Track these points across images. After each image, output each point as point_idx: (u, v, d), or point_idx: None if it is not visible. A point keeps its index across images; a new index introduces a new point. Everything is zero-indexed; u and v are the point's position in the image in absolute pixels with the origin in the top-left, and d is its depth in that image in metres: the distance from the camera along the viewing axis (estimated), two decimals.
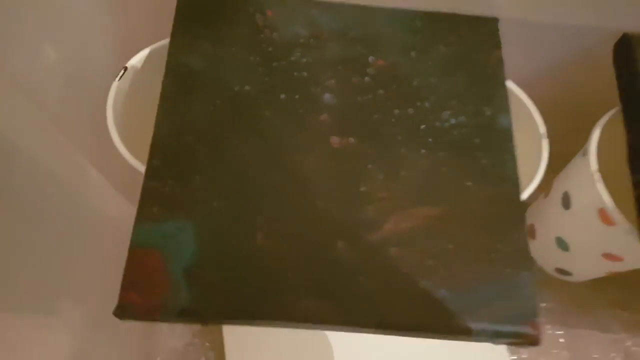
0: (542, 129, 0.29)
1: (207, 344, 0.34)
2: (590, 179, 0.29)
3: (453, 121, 0.26)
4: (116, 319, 0.21)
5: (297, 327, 0.22)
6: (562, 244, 0.34)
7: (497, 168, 0.25)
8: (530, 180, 0.29)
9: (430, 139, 0.25)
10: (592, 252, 0.32)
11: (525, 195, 0.28)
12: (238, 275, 0.22)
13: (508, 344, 0.23)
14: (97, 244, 0.24)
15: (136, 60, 0.28)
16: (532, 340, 0.22)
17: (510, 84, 0.31)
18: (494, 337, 0.22)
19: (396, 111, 0.26)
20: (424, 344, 0.34)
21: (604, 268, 0.33)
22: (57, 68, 0.29)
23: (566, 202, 0.32)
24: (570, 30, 0.31)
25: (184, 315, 0.21)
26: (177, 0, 0.28)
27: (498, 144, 0.26)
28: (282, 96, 0.26)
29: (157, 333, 0.33)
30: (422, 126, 0.26)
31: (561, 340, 0.36)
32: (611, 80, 0.29)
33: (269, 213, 0.23)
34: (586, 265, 0.34)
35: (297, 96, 0.26)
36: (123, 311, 0.21)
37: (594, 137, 0.30)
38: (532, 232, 0.37)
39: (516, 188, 0.25)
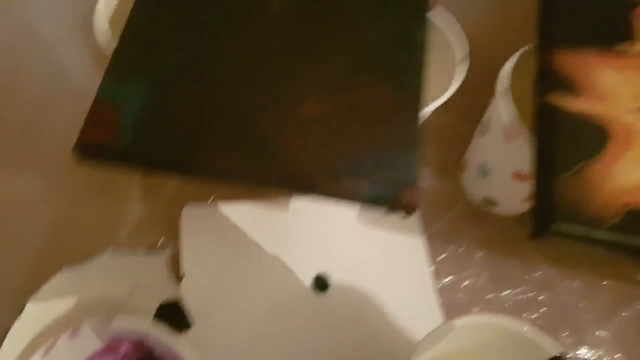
0: (464, 51, 0.34)
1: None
2: (500, 101, 0.33)
3: (377, 34, 0.31)
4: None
5: (215, 180, 0.27)
6: (483, 171, 0.38)
7: (405, 74, 0.30)
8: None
9: (354, 45, 0.31)
10: (504, 172, 0.36)
11: (435, 104, 0.32)
12: (174, 131, 0.27)
13: (388, 209, 0.27)
14: (75, 108, 0.30)
15: None
16: (408, 205, 0.27)
17: (443, 12, 0.35)
18: (376, 199, 0.27)
19: (332, 20, 0.31)
20: (352, 245, 0.39)
21: (519, 194, 0.37)
22: None
23: (483, 129, 0.37)
24: None
25: (126, 155, 0.26)
26: None
27: (411, 55, 0.31)
28: None
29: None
30: (351, 34, 0.31)
31: (482, 261, 0.40)
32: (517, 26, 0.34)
33: (209, 83, 0.28)
34: (503, 188, 0.38)
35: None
36: (80, 148, 0.26)
37: (508, 64, 0.34)
38: (464, 167, 0.42)
39: (418, 91, 0.30)
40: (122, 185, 0.39)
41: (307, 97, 0.28)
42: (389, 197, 0.27)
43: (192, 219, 0.39)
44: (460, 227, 0.42)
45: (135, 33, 0.29)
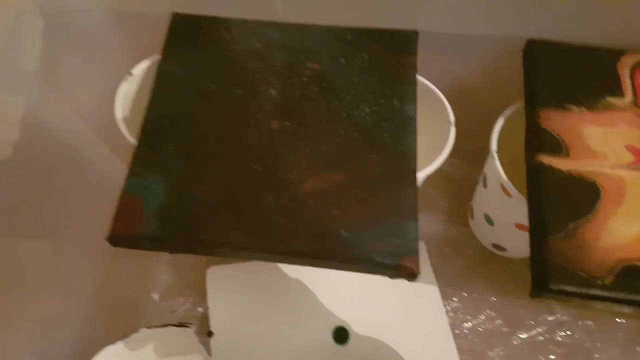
0: (451, 118, 0.36)
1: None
2: (493, 161, 0.35)
3: (367, 110, 0.33)
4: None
5: (229, 255, 0.30)
6: (488, 219, 0.40)
7: (398, 145, 0.32)
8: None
9: (348, 123, 0.33)
10: (507, 223, 0.38)
11: (429, 170, 0.34)
12: (190, 217, 0.30)
13: (391, 275, 0.29)
14: (103, 195, 0.33)
15: (139, 68, 0.38)
16: (409, 272, 0.29)
17: (426, 82, 0.38)
18: (379, 267, 0.29)
19: (324, 102, 0.34)
20: (369, 296, 0.41)
21: (524, 241, 0.38)
22: (84, 73, 0.39)
23: (484, 182, 0.38)
24: (481, 39, 0.38)
25: (152, 241, 0.29)
26: (169, 24, 0.37)
27: (402, 127, 0.33)
28: (238, 91, 0.34)
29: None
30: (343, 114, 0.33)
31: (496, 304, 0.41)
32: (513, 81, 0.36)
33: (218, 173, 0.31)
34: (508, 236, 0.39)
35: (249, 91, 0.34)
36: (112, 237, 0.29)
37: (497, 124, 0.36)
38: (471, 213, 0.43)
39: (412, 161, 0.32)
40: (153, 256, 0.42)
41: (307, 176, 0.31)
42: (391, 265, 0.29)
43: (216, 279, 0.42)
44: (473, 271, 0.43)
45: (150, 130, 0.32)
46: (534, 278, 0.29)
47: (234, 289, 0.42)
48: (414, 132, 0.33)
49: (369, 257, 0.29)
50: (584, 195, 0.30)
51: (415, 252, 0.29)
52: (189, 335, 0.36)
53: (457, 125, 0.36)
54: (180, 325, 0.36)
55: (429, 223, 0.45)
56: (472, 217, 0.43)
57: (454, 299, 0.42)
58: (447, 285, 0.42)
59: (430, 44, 0.37)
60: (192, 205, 0.30)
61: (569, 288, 0.28)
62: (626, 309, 0.28)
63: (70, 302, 0.37)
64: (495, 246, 0.42)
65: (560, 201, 0.30)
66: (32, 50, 0.42)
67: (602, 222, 0.29)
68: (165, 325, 0.36)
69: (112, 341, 0.35)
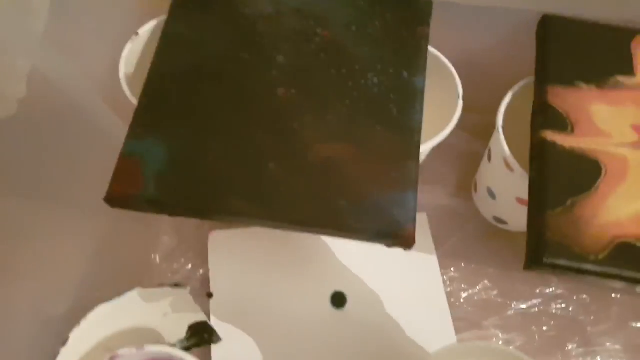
0: (459, 91, 0.36)
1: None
2: (498, 135, 0.35)
3: (375, 80, 0.33)
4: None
5: (230, 220, 0.30)
6: (491, 193, 0.40)
7: (404, 118, 0.32)
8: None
9: (355, 93, 0.33)
10: (509, 197, 0.38)
11: (434, 142, 0.34)
12: (191, 181, 0.30)
13: (388, 244, 0.30)
14: (107, 155, 0.33)
15: (146, 28, 0.37)
16: (406, 242, 0.29)
17: (436, 53, 0.37)
18: (377, 236, 0.29)
19: (332, 71, 0.33)
20: (368, 264, 0.42)
21: (524, 214, 0.39)
22: (90, 32, 0.38)
23: (489, 156, 0.38)
24: (495, 12, 0.37)
25: (150, 204, 0.30)
26: None
27: (409, 100, 0.33)
28: (245, 56, 0.34)
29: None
30: (350, 83, 0.33)
31: (493, 276, 0.42)
32: (525, 56, 0.35)
33: (221, 138, 0.31)
34: (510, 210, 0.40)
35: (256, 57, 0.34)
36: (110, 198, 0.30)
37: (505, 99, 0.36)
38: (475, 186, 0.44)
39: (416, 134, 0.32)
40: (155, 218, 0.42)
41: (311, 145, 0.31)
42: (389, 235, 0.29)
43: (218, 243, 0.43)
44: (473, 243, 0.44)
45: (153, 91, 0.32)
46: (528, 251, 0.30)
47: (235, 253, 0.42)
48: (421, 105, 0.32)
49: (368, 226, 0.29)
50: (585, 172, 0.30)
51: (412, 223, 0.29)
52: (184, 296, 0.37)
53: (466, 98, 0.36)
54: (175, 286, 0.37)
55: (433, 195, 0.45)
56: (475, 190, 0.44)
57: (452, 269, 0.42)
58: (447, 256, 0.43)
59: (443, 15, 0.36)
60: (192, 169, 0.30)
61: (563, 262, 0.28)
62: (618, 285, 0.29)
63: (71, 261, 0.38)
64: (497, 219, 0.42)
65: (561, 177, 0.30)
66: (40, 8, 0.42)
67: (601, 200, 0.29)
68: (160, 286, 0.37)
69: (107, 299, 0.35)
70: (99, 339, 0.34)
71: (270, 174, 0.30)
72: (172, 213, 0.31)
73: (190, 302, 0.37)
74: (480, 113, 0.40)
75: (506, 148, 0.34)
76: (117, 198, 0.30)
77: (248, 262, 0.42)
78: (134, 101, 0.34)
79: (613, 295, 0.41)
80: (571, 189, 0.30)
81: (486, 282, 0.42)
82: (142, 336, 0.33)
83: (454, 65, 0.37)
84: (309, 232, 0.30)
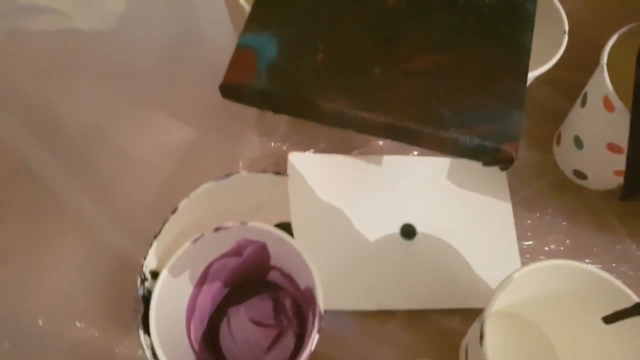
0: (566, 27, 0.36)
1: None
2: (601, 74, 0.35)
3: (487, 0, 0.33)
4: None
5: (329, 121, 0.31)
6: (578, 142, 0.40)
7: (514, 38, 0.32)
8: None
9: (466, 10, 0.33)
10: (599, 144, 0.37)
11: (539, 71, 0.34)
12: (300, 75, 0.31)
13: (487, 160, 0.30)
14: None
15: None
16: (507, 158, 0.29)
17: None
18: (478, 149, 0.29)
19: None
20: (441, 201, 0.42)
21: (610, 166, 0.38)
22: None
23: (584, 100, 0.38)
24: None
25: (260, 95, 0.31)
26: None
27: (520, 21, 0.33)
28: None
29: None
30: (461, 0, 0.33)
31: (566, 230, 0.42)
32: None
33: (331, 40, 0.32)
34: (596, 160, 0.39)
35: None
36: (224, 86, 0.31)
37: (612, 38, 0.35)
38: (558, 138, 0.43)
39: (526, 54, 0.32)
40: (241, 128, 0.44)
41: (416, 54, 0.31)
42: (490, 149, 0.29)
43: (297, 163, 0.44)
44: (548, 196, 0.43)
45: None
46: (626, 182, 0.30)
47: (312, 176, 0.43)
48: (531, 29, 0.32)
49: (469, 138, 0.29)
50: None
51: (516, 139, 0.30)
52: (283, 184, 0.40)
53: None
54: (277, 174, 0.40)
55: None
56: (558, 143, 0.43)
57: (526, 218, 0.42)
58: (521, 205, 0.43)
59: None
60: (302, 65, 0.31)
61: None
62: None
63: (173, 155, 0.41)
64: (577, 173, 0.42)
65: None
66: None
67: None
68: (263, 172, 0.39)
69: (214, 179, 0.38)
70: (205, 212, 0.37)
71: (375, 77, 0.31)
72: (278, 107, 0.32)
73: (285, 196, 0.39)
74: (568, 70, 0.40)
75: (609, 85, 0.34)
76: (231, 86, 0.31)
77: (324, 186, 0.43)
78: (247, 6, 0.35)
79: None
80: None
81: (557, 234, 0.42)
82: (243, 215, 0.34)
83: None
84: (406, 141, 0.31)
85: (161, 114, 0.44)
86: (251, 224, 0.31)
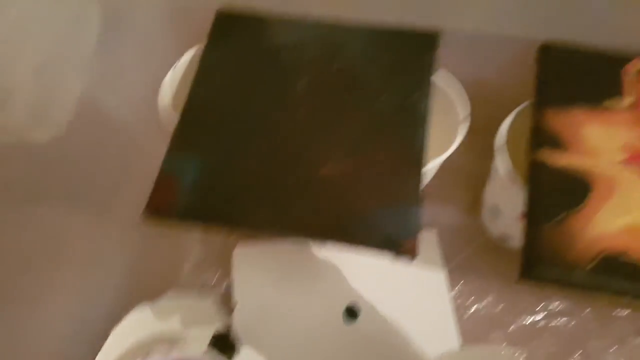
0: (465, 113, 0.39)
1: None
2: (499, 154, 0.38)
3: (385, 104, 0.37)
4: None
5: (253, 230, 0.34)
6: (497, 210, 0.43)
7: (409, 138, 0.36)
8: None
9: (366, 115, 0.37)
10: (513, 213, 0.40)
11: (438, 161, 0.38)
12: (221, 193, 0.34)
13: (392, 256, 0.33)
14: (146, 175, 0.38)
15: (185, 58, 0.42)
16: (409, 254, 0.32)
17: (445, 75, 0.41)
18: (381, 247, 0.32)
19: (347, 95, 0.37)
20: (380, 279, 0.45)
21: None
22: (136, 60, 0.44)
23: (495, 173, 0.41)
24: (501, 40, 0.40)
25: (185, 215, 0.34)
26: (213, 20, 0.41)
27: (415, 121, 0.36)
28: (271, 81, 0.38)
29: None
30: (362, 106, 0.37)
31: (499, 291, 0.44)
32: (527, 80, 0.38)
33: (249, 155, 0.35)
34: (514, 227, 0.42)
35: (281, 82, 0.38)
36: (149, 210, 0.34)
37: (508, 118, 0.39)
38: (482, 204, 0.46)
39: (420, 152, 0.35)
40: (185, 231, 0.47)
41: (325, 161, 0.35)
42: (393, 246, 0.32)
43: (242, 258, 0.46)
44: (480, 260, 0.46)
45: (189, 114, 0.37)
46: (522, 264, 0.32)
47: (257, 267, 0.46)
48: (425, 126, 0.36)
49: (373, 238, 0.32)
50: (576, 189, 0.33)
51: (415, 236, 0.32)
52: (210, 305, 0.41)
53: (474, 121, 0.39)
54: (202, 295, 0.41)
55: (443, 213, 0.48)
56: (482, 207, 0.46)
57: (460, 284, 0.45)
58: (455, 272, 0.45)
59: (453, 40, 0.40)
60: (222, 183, 0.34)
61: (553, 274, 0.31)
62: (605, 296, 0.31)
63: (108, 273, 0.43)
64: (503, 236, 0.45)
65: (553, 193, 0.33)
66: (89, 39, 0.47)
67: (589, 215, 0.32)
68: (188, 294, 0.41)
69: (142, 303, 0.39)
70: (134, 341, 0.39)
71: (289, 187, 0.34)
72: (203, 224, 0.35)
73: (215, 311, 0.40)
74: (488, 135, 0.43)
75: (507, 164, 0.37)
76: (155, 209, 0.34)
77: (268, 275, 0.45)
78: (172, 126, 0.39)
79: (617, 311, 0.43)
80: (563, 204, 0.32)
81: (492, 297, 0.44)
82: (170, 341, 0.37)
83: (462, 88, 0.41)
84: (322, 242, 0.34)
85: (111, 222, 0.47)
86: (174, 354, 0.34)
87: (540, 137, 0.35)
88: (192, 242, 0.47)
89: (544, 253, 0.31)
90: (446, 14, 0.41)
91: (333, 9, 0.41)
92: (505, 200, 0.41)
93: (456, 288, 0.45)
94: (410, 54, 0.39)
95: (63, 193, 0.40)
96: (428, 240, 0.46)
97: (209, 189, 0.34)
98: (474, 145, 0.41)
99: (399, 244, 0.32)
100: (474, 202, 0.49)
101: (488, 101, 0.42)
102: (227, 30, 0.41)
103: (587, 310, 0.43)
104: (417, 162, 0.35)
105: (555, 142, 0.35)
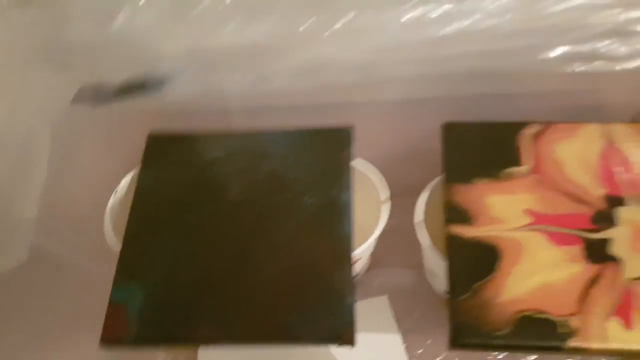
0: (384, 195, 0.42)
1: None
2: (418, 230, 0.41)
3: (311, 201, 0.40)
4: None
5: (201, 346, 0.36)
6: (433, 272, 0.46)
7: (337, 231, 0.39)
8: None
9: (295, 214, 0.40)
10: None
11: (365, 246, 0.41)
12: (166, 315, 0.37)
13: (335, 345, 0.35)
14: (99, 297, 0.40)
15: (123, 183, 0.46)
16: (347, 343, 0.35)
17: (364, 164, 0.44)
18: (322, 342, 0.35)
19: (277, 197, 0.41)
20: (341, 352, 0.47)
21: None
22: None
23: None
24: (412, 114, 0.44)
25: (135, 343, 0.36)
26: (145, 143, 0.45)
27: (339, 214, 0.39)
28: (206, 196, 0.41)
29: None
30: (291, 206, 0.40)
31: None
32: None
33: (189, 273, 0.38)
34: None
35: (215, 195, 0.41)
36: (104, 342, 0.36)
37: (421, 196, 0.42)
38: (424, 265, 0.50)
39: (348, 243, 0.38)
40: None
41: (262, 266, 0.37)
42: (332, 340, 0.35)
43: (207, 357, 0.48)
44: (432, 317, 0.49)
45: (130, 241, 0.40)
46: (449, 334, 0.35)
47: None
48: (349, 216, 0.39)
49: (313, 335, 0.35)
50: (486, 258, 0.36)
51: (350, 326, 0.35)
52: None
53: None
54: None
55: (391, 277, 0.51)
56: (425, 270, 0.49)
57: (416, 344, 0.48)
58: (409, 333, 0.48)
59: (368, 113, 0.44)
60: (167, 306, 0.37)
61: (476, 341, 0.34)
62: (528, 354, 0.34)
63: None
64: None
65: (466, 266, 0.36)
66: (38, 166, 0.50)
67: (501, 281, 0.35)
68: None
69: None
70: None
71: (231, 297, 0.37)
72: (154, 346, 0.37)
73: None
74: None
75: (427, 239, 0.40)
76: (109, 339, 0.36)
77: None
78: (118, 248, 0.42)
79: None
80: (475, 275, 0.36)
81: (445, 354, 0.47)
82: None
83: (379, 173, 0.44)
84: (265, 347, 0.36)
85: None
86: None
87: (451, 212, 0.38)
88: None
89: (466, 321, 0.34)
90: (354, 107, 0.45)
91: (256, 122, 0.45)
92: (437, 267, 0.44)
93: (413, 349, 0.47)
94: (328, 150, 0.43)
95: (25, 326, 0.42)
96: (380, 307, 0.49)
97: (154, 313, 0.37)
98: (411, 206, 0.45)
99: (338, 336, 0.35)
100: (419, 261, 0.52)
101: (409, 176, 0.46)
102: (159, 151, 0.44)
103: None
104: (346, 253, 0.38)
105: (464, 216, 0.38)
